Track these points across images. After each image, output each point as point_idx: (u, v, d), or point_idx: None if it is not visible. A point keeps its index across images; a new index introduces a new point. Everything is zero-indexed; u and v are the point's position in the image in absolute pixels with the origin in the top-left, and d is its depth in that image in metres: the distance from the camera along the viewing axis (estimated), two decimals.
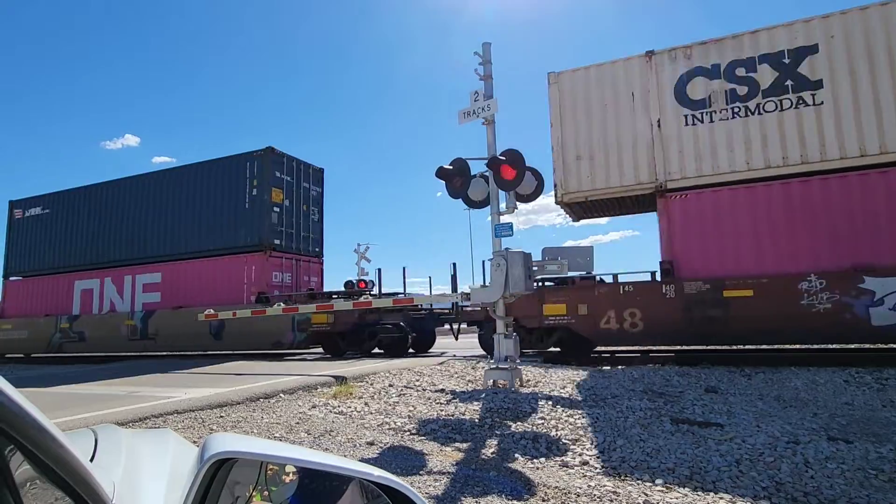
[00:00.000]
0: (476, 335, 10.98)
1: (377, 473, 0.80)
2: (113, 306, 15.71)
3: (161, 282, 14.96)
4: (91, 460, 0.93)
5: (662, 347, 9.72)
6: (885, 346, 8.49)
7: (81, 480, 0.64)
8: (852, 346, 8.78)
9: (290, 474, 0.88)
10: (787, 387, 6.59)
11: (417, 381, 7.04)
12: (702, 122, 9.14)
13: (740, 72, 8.99)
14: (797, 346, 9.04)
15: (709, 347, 9.33)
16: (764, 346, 9.25)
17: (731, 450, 3.88)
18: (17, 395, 0.54)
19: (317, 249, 15.51)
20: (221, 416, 5.29)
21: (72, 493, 0.64)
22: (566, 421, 4.73)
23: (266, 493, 0.87)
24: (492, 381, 6.33)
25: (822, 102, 8.44)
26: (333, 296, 13.15)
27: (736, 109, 8.95)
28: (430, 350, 12.99)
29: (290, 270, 14.38)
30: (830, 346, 8.97)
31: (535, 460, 3.89)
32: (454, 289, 11.10)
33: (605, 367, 8.27)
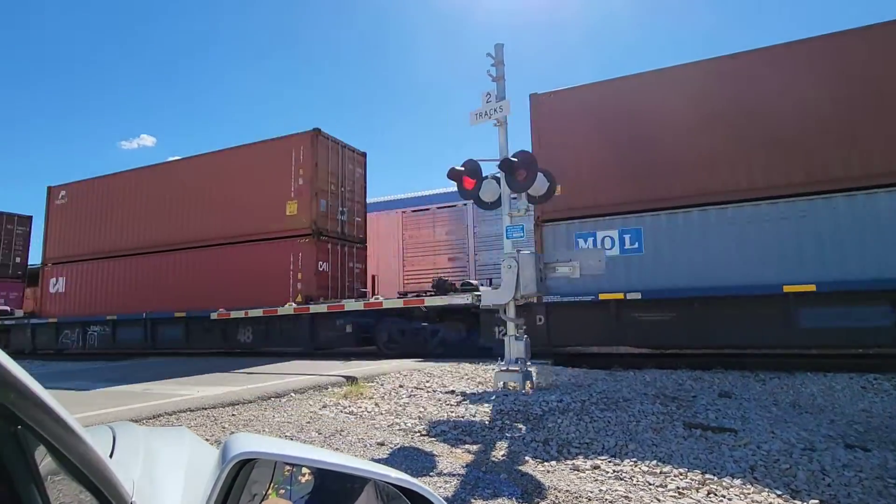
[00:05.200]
0: None
1: (394, 475, 0.80)
2: None
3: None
4: (110, 457, 0.94)
5: (676, 351, 9.60)
6: None
7: (103, 477, 0.65)
8: (871, 352, 8.61)
9: (307, 474, 0.88)
10: (803, 392, 6.49)
11: (427, 382, 7.04)
12: None
13: None
14: (813, 352, 8.89)
15: (722, 352, 9.20)
16: (779, 351, 9.07)
17: (746, 455, 3.83)
18: (44, 392, 0.55)
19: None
20: (233, 415, 5.33)
21: (93, 489, 0.65)
22: (577, 424, 4.70)
23: (282, 492, 0.88)
24: (502, 382, 6.31)
25: None
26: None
27: None
28: None
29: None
30: (847, 352, 8.81)
31: (545, 463, 3.87)
32: None
33: (616, 371, 8.21)
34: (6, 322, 16.79)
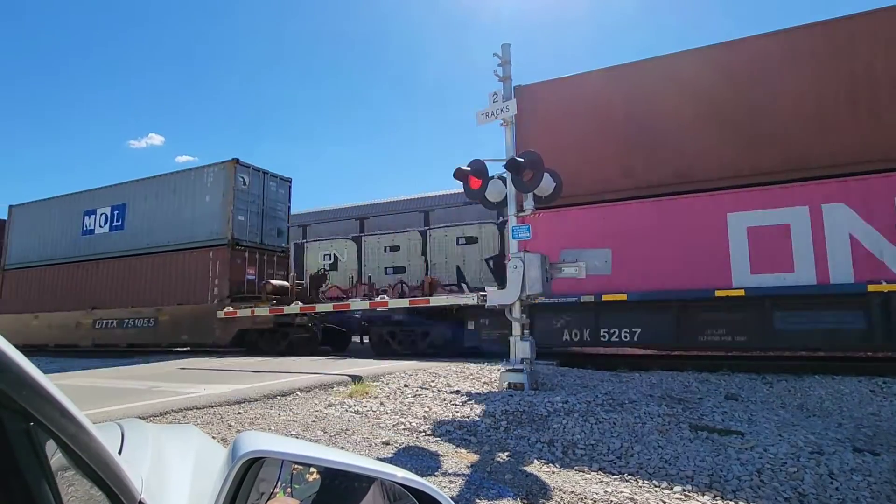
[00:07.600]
0: None
1: (401, 474, 0.80)
2: None
3: None
4: (119, 454, 0.95)
5: (681, 353, 9.54)
6: None
7: (112, 474, 0.66)
8: (879, 355, 8.53)
9: (314, 473, 0.89)
10: (811, 395, 6.44)
11: (433, 381, 7.04)
12: None
13: None
14: (821, 354, 8.81)
15: (729, 353, 9.14)
16: (787, 353, 9.01)
17: (752, 458, 3.80)
18: (56, 390, 0.55)
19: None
20: (239, 413, 5.35)
21: (103, 485, 0.65)
22: (582, 425, 4.69)
23: (289, 490, 0.88)
24: (507, 383, 6.30)
25: None
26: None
27: None
28: None
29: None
30: (856, 355, 8.73)
31: (550, 464, 3.86)
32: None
33: (622, 372, 8.18)
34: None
